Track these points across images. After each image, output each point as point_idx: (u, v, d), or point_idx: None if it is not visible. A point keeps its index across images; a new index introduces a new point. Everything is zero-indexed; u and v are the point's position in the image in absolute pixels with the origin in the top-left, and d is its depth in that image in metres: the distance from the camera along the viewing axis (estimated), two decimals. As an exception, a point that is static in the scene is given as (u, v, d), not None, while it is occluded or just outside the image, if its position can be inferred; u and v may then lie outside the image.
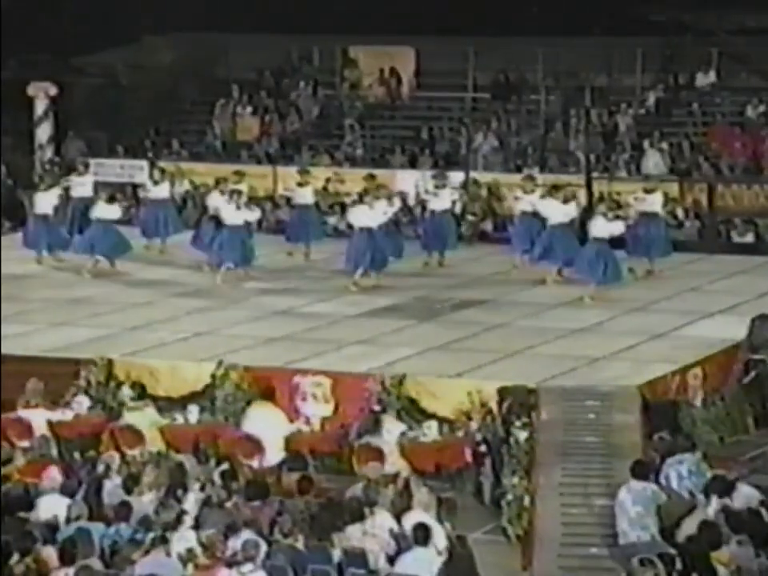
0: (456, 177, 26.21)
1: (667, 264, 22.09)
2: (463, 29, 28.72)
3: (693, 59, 28.95)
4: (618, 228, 20.38)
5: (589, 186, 25.64)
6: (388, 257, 20.96)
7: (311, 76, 30.61)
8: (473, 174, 26.66)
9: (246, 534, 12.85)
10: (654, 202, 22.03)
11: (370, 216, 20.69)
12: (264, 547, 12.68)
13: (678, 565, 12.18)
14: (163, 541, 12.65)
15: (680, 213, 25.55)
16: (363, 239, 20.55)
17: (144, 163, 28.08)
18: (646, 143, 27.21)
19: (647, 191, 22.21)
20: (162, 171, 24.36)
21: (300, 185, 23.28)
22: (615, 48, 28.81)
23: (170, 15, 29.42)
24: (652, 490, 13.55)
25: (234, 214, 21.35)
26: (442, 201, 22.62)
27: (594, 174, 26.13)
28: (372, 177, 23.24)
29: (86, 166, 24.39)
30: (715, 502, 13.36)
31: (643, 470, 13.72)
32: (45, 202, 22.71)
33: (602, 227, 20.30)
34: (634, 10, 30.32)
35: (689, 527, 13.08)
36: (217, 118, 29.74)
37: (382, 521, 13.24)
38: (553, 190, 22.14)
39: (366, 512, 13.33)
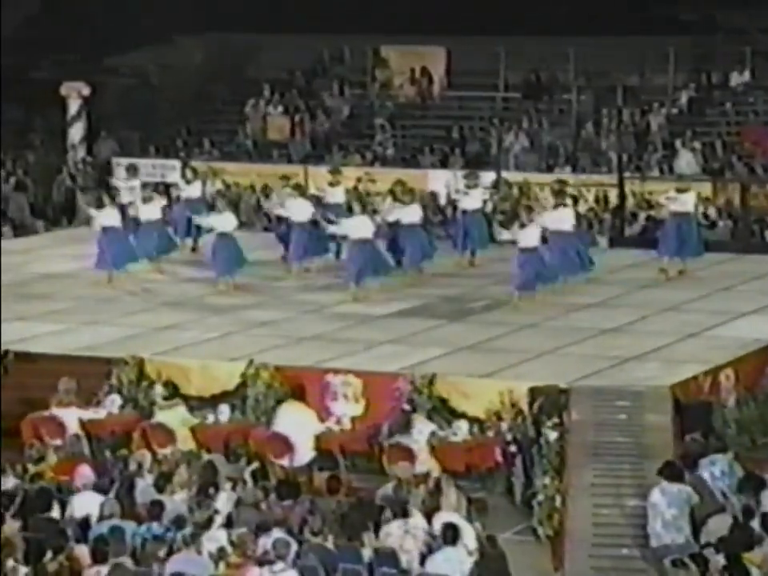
0: (487, 176, 26.20)
1: (700, 264, 21.98)
2: (494, 28, 28.72)
3: (725, 58, 28.82)
4: (533, 234, 19.53)
5: (621, 185, 25.57)
6: (386, 265, 20.41)
7: (342, 76, 30.65)
8: (504, 174, 26.64)
9: (277, 533, 12.88)
10: (687, 202, 21.91)
11: (365, 227, 20.07)
12: (294, 546, 12.70)
13: (719, 562, 12.09)
14: (195, 539, 12.69)
15: (713, 212, 25.46)
16: (359, 251, 20.02)
17: (176, 162, 28.20)
18: (678, 143, 27.11)
19: (680, 191, 22.08)
20: (195, 171, 24.38)
21: (331, 184, 23.28)
22: (647, 47, 28.73)
23: (201, 15, 29.54)
24: (686, 492, 13.49)
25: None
26: (473, 200, 22.58)
27: (626, 174, 26.07)
28: (402, 183, 23.13)
29: (134, 170, 23.75)
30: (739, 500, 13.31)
31: (674, 472, 13.67)
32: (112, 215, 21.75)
33: (525, 236, 19.59)
34: (666, 9, 30.23)
35: (715, 526, 13.03)
36: (248, 117, 29.81)
37: (414, 520, 13.23)
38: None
39: (400, 511, 13.33)
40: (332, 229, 20.86)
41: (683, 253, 21.63)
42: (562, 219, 20.43)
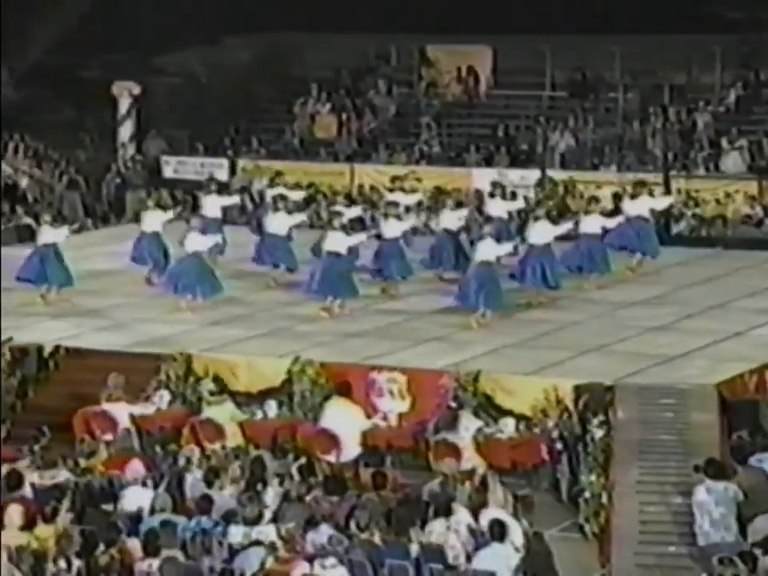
0: (532, 174, 26.27)
1: (746, 262, 21.98)
2: (540, 27, 28.68)
3: (772, 56, 28.71)
4: (504, 249, 19.11)
5: (667, 184, 25.53)
6: (352, 283, 19.56)
7: (389, 75, 30.76)
8: (549, 173, 26.68)
9: (325, 529, 12.99)
10: (642, 206, 21.66)
11: (340, 241, 19.51)
12: (346, 543, 12.82)
13: (766, 562, 12.08)
14: (246, 533, 12.84)
15: (759, 211, 25.36)
16: (331, 264, 19.40)
17: (224, 161, 28.41)
18: (724, 141, 27.03)
19: (633, 196, 21.85)
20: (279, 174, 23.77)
21: (404, 190, 23.02)
22: (693, 45, 28.63)
23: (249, 15, 29.71)
24: (733, 489, 13.50)
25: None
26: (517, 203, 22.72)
27: (672, 172, 26.02)
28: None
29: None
30: None
31: (718, 470, 13.67)
32: (155, 220, 21.42)
33: (488, 250, 18.97)
34: (712, 8, 30.08)
35: (763, 524, 13.02)
36: (295, 116, 29.98)
37: (459, 517, 13.31)
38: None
39: (444, 508, 13.41)
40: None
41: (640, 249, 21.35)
42: (545, 233, 19.96)
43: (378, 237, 20.79)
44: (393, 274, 20.59)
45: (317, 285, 19.42)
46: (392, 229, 20.55)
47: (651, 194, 22.25)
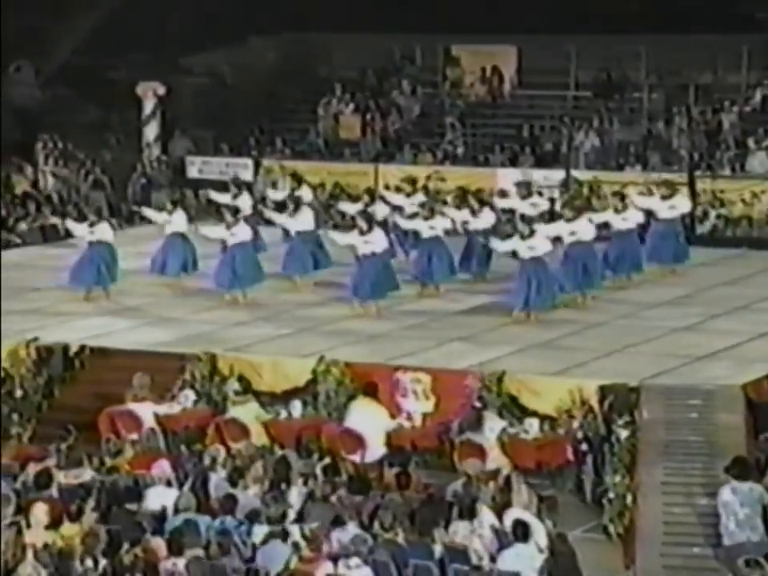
0: (556, 175, 26.22)
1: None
2: (565, 27, 28.65)
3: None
4: (543, 245, 18.85)
5: (692, 184, 25.46)
6: (389, 285, 19.53)
7: (413, 75, 30.78)
8: (574, 173, 26.63)
9: (350, 528, 13.01)
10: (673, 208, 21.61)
11: (370, 242, 19.40)
12: (370, 542, 12.84)
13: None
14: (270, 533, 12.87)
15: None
16: (367, 266, 19.38)
17: (248, 161, 28.47)
18: (751, 141, 26.94)
19: (664, 197, 21.75)
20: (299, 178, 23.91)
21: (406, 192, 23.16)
22: (719, 45, 28.55)
23: (274, 16, 29.78)
24: (759, 491, 13.46)
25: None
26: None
27: (697, 173, 25.94)
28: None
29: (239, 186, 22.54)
30: None
31: (744, 471, 13.63)
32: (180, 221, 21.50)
33: (526, 246, 18.83)
34: (740, 7, 29.98)
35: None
36: (320, 116, 30.03)
37: (483, 517, 13.31)
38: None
39: (468, 509, 13.41)
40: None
41: (666, 257, 21.29)
42: (582, 230, 19.77)
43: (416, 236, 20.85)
44: (435, 278, 20.51)
45: (369, 289, 19.37)
46: (431, 228, 20.55)
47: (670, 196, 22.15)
